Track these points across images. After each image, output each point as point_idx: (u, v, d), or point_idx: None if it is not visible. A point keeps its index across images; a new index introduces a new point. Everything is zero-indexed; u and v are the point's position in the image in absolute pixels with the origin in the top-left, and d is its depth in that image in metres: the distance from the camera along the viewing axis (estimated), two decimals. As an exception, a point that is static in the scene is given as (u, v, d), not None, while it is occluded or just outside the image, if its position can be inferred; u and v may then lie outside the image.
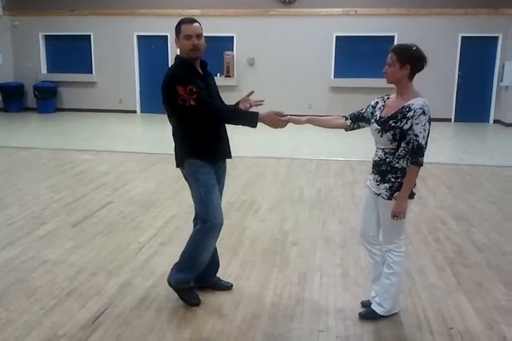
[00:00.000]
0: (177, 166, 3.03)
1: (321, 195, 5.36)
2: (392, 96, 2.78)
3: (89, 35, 12.10)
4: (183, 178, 3.03)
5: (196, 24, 2.84)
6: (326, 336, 2.71)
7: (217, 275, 3.23)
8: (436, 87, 11.13)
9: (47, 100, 12.05)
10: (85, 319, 2.82)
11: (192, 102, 2.71)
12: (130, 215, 4.65)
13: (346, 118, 2.93)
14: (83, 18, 11.91)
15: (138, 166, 6.68)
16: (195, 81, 2.81)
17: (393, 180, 2.69)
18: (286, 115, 2.89)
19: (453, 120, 11.38)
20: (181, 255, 3.00)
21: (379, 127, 2.68)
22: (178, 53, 2.93)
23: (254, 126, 2.81)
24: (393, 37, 11.05)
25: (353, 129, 2.95)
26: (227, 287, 3.21)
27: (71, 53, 12.29)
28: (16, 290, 3.17)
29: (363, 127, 2.91)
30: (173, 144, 2.98)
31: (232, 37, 11.62)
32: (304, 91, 11.49)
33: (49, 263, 3.56)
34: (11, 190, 5.42)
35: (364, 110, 2.88)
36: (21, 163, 6.89)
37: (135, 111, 12.24)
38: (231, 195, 5.29)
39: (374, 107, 2.83)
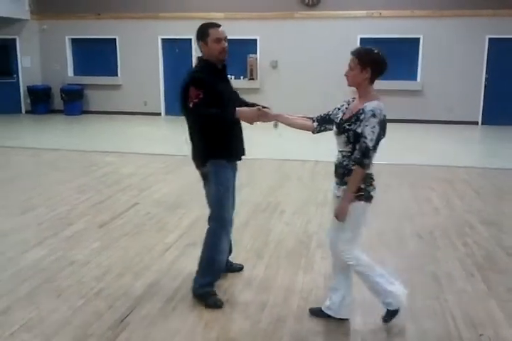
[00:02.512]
0: (198, 166, 3.08)
1: (346, 198, 5.32)
2: (355, 99, 2.76)
3: (115, 39, 12.26)
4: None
5: (222, 28, 2.97)
6: (351, 340, 2.68)
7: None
8: (462, 90, 10.98)
9: (73, 102, 12.26)
10: (113, 319, 2.85)
11: (191, 105, 2.82)
12: (156, 216, 4.69)
13: (313, 121, 2.89)
14: (109, 21, 12.09)
15: (163, 168, 6.73)
16: (217, 85, 2.91)
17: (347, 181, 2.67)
18: (266, 107, 2.93)
19: (480, 123, 11.19)
20: (200, 260, 3.07)
21: (336, 129, 2.70)
22: (201, 56, 2.99)
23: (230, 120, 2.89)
24: (418, 39, 10.96)
25: (320, 131, 2.92)
26: (238, 268, 3.40)
27: (97, 56, 12.48)
28: (45, 289, 3.22)
29: (330, 129, 2.85)
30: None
31: (256, 40, 11.66)
32: (327, 94, 11.44)
33: (77, 264, 3.61)
34: (39, 191, 5.52)
35: (331, 112, 2.84)
36: (48, 164, 7.02)
37: (159, 114, 12.36)
38: (257, 197, 5.29)
39: (339, 109, 2.80)
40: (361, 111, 2.56)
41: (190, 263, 3.58)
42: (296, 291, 3.21)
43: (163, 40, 12.06)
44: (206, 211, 4.74)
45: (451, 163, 7.15)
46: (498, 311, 2.98)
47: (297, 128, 2.95)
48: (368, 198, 2.67)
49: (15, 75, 12.54)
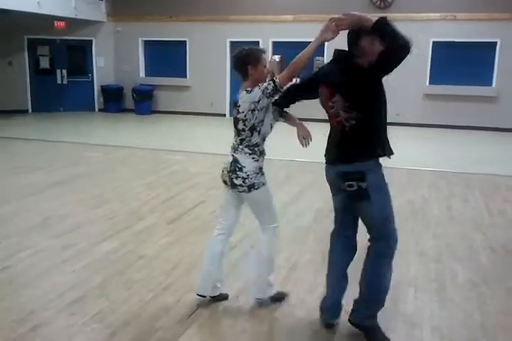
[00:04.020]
0: None
1: (414, 207, 5.17)
2: None
3: (185, 41, 12.58)
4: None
5: None
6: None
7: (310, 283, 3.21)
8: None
9: (144, 102, 12.68)
10: (180, 314, 2.91)
11: None
12: (221, 216, 4.75)
13: None
14: (180, 24, 12.40)
15: (227, 168, 6.80)
16: None
17: None
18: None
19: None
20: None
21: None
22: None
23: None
24: (495, 43, 10.49)
25: None
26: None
27: (167, 58, 12.84)
28: (116, 281, 3.34)
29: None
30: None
31: (323, 43, 11.55)
32: (398, 99, 11.14)
33: (146, 258, 3.72)
34: (112, 186, 5.75)
35: None
36: (120, 160, 7.30)
37: (224, 115, 12.55)
38: (322, 202, 5.23)
39: None
40: None
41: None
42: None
43: (232, 42, 12.23)
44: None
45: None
46: None
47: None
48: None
49: (90, 75, 13.14)
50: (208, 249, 3.03)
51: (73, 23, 12.16)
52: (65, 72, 12.82)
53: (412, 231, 4.48)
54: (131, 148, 8.14)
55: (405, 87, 11.08)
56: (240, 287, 3.28)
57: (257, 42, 11.92)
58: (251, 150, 2.84)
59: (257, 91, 2.71)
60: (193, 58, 12.63)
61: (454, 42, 10.77)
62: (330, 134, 2.77)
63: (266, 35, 11.85)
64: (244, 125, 2.80)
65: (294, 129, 2.94)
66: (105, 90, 12.87)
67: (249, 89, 2.75)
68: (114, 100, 12.92)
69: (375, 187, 2.55)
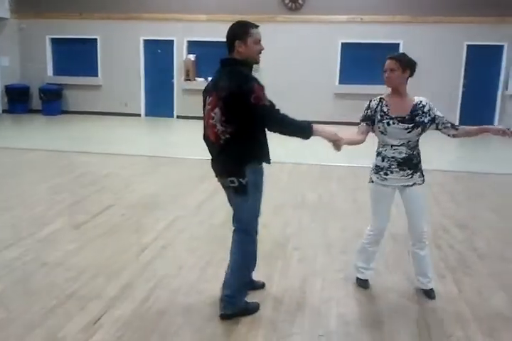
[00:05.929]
0: (228, 176, 2.78)
1: (323, 201, 5.36)
2: (388, 98, 3.11)
3: (96, 39, 12.19)
4: (221, 186, 2.98)
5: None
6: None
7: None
8: (440, 96, 11.14)
9: (52, 102, 12.12)
10: (85, 321, 2.82)
11: (266, 102, 2.65)
12: (132, 218, 4.66)
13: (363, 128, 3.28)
14: (90, 21, 12.00)
15: (140, 169, 6.69)
16: None
17: (420, 166, 3.19)
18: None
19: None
20: (233, 276, 2.92)
21: (407, 125, 3.02)
22: (233, 57, 2.78)
23: (307, 136, 2.76)
24: (398, 44, 11.09)
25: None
26: (261, 285, 3.31)
27: (77, 56, 12.38)
28: (17, 290, 3.18)
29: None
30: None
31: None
32: (309, 98, 11.51)
33: (50, 265, 3.56)
34: (16, 191, 5.44)
35: (371, 113, 3.16)
36: (26, 164, 6.93)
37: (139, 115, 12.29)
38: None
39: (375, 109, 3.13)
40: (421, 105, 3.05)
41: (165, 264, 3.61)
42: (271, 293, 3.22)
43: (145, 41, 12.01)
44: (183, 213, 4.80)
45: (426, 166, 7.22)
46: (468, 313, 3.03)
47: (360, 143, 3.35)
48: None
49: (-7, 74, 12.36)
50: (362, 248, 3.36)
51: (-28, 20, 11.39)
52: (-36, 71, 11.98)
53: (321, 223, 4.64)
54: (39, 151, 7.76)
55: (317, 86, 11.46)
56: (149, 288, 3.24)
57: (172, 41, 11.83)
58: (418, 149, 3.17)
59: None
60: (105, 57, 12.25)
61: (361, 43, 11.27)
62: (207, 144, 2.87)
63: (180, 34, 11.76)
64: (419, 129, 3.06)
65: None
66: (9, 90, 12.16)
67: None
68: (19, 100, 12.24)
69: (252, 185, 2.79)
